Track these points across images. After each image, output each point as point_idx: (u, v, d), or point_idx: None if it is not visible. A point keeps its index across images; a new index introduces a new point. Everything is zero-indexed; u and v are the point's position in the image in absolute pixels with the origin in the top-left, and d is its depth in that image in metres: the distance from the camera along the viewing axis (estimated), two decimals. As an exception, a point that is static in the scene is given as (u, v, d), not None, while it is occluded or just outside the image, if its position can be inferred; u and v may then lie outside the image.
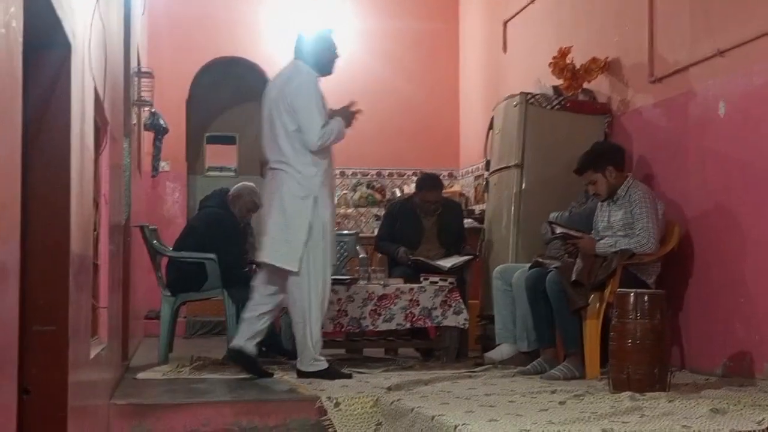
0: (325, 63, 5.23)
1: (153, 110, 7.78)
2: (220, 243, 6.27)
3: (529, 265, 5.62)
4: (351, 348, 6.55)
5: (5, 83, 1.81)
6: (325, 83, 5.21)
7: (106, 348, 4.05)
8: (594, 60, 6.42)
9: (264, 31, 9.67)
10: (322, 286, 5.05)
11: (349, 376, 5.09)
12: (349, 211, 9.69)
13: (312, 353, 5.05)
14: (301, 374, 5.06)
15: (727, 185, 5.17)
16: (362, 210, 9.77)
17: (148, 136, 8.28)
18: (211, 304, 7.73)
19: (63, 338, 2.78)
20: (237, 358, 5.16)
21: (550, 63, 6.60)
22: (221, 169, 10.48)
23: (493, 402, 4.03)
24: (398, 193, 9.47)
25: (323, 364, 5.08)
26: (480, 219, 7.69)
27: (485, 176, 7.23)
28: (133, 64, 6.47)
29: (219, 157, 10.61)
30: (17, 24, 1.93)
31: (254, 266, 6.67)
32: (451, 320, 6.06)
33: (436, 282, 6.16)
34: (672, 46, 5.74)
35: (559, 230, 5.49)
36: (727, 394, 4.19)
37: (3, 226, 1.80)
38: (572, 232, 5.42)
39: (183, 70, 9.47)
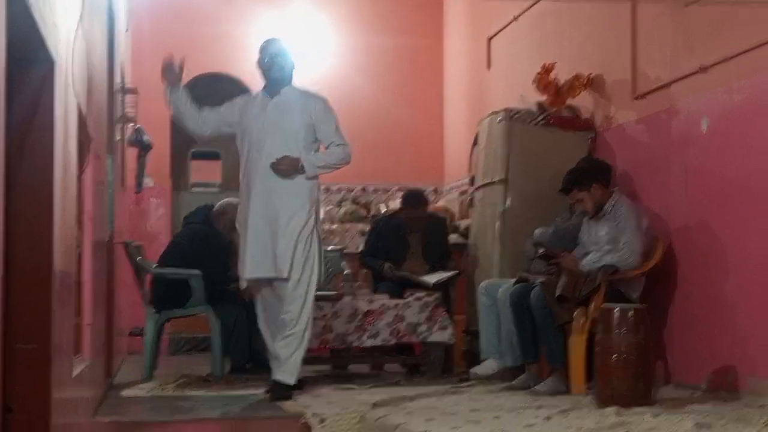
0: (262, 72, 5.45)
1: (137, 126, 7.76)
2: (205, 259, 6.25)
3: (514, 280, 5.63)
4: (336, 364, 6.54)
5: (-12, 100, 1.80)
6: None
7: (89, 365, 4.03)
8: (577, 76, 6.45)
9: (248, 47, 9.63)
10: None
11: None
12: (334, 226, 9.67)
13: None
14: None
15: (710, 201, 5.19)
16: (347, 226, 9.74)
17: (131, 153, 8.26)
18: (196, 321, 7.67)
19: (46, 356, 2.77)
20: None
21: (534, 79, 6.63)
22: (206, 185, 10.45)
23: (478, 418, 4.02)
24: (383, 209, 9.46)
25: None
26: (465, 234, 7.69)
27: (470, 192, 7.24)
28: (117, 80, 6.46)
29: (203, 172, 10.57)
30: (0, 42, 1.92)
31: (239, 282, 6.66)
32: (436, 336, 6.06)
33: (422, 298, 6.16)
34: (654, 63, 5.77)
35: (541, 250, 5.51)
36: (711, 409, 4.19)
37: (-15, 243, 1.79)
38: (554, 252, 5.43)
39: (167, 86, 9.43)
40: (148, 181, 9.04)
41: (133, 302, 7.48)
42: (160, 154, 9.12)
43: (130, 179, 8.38)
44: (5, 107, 2.05)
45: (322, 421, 4.17)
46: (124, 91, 6.91)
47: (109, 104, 5.52)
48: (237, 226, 5.34)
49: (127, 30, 7.99)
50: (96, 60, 4.28)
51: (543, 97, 6.62)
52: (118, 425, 4.19)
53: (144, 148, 8.14)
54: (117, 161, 6.22)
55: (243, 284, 5.30)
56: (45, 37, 2.60)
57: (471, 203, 7.09)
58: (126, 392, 5.26)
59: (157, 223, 9.48)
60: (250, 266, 5.09)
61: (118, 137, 6.47)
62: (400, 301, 6.10)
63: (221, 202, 6.75)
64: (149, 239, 8.85)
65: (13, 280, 2.65)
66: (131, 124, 7.52)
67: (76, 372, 3.53)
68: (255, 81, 9.52)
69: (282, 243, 5.07)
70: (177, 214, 9.54)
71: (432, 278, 6.57)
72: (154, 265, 6.46)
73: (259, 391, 5.23)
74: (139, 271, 6.37)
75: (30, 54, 2.69)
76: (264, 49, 5.47)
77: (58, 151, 2.91)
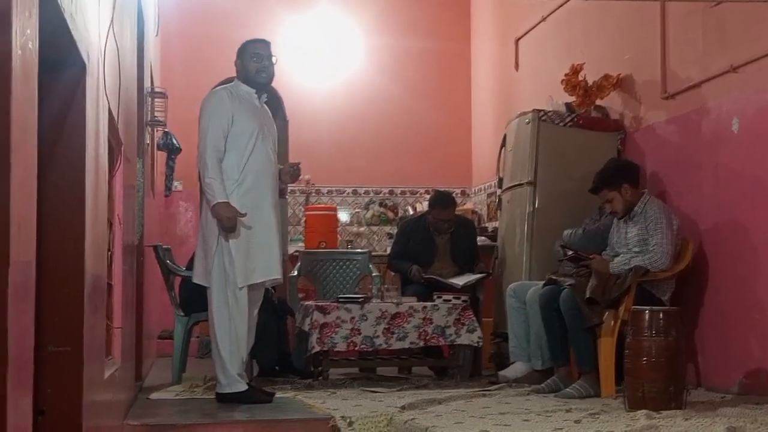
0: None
1: (166, 130, 7.80)
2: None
3: (542, 282, 5.60)
4: (364, 367, 6.54)
5: (21, 104, 1.82)
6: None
7: (120, 368, 4.05)
8: (606, 77, 6.42)
9: (277, 51, 9.68)
10: (233, 301, 4.85)
11: (269, 399, 4.89)
12: (362, 229, 9.68)
13: (229, 373, 4.82)
14: (220, 397, 4.87)
15: (741, 201, 5.14)
16: (375, 228, 9.76)
17: (161, 156, 8.31)
18: (224, 323, 7.70)
19: (78, 358, 2.79)
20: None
21: (563, 80, 6.60)
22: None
23: (507, 421, 4.01)
24: (411, 212, 9.46)
25: (241, 386, 4.84)
26: (493, 237, 7.67)
27: (498, 194, 7.22)
28: (147, 84, 6.50)
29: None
30: (33, 45, 1.94)
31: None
32: (464, 338, 6.04)
33: (450, 300, 6.15)
34: (685, 63, 5.73)
35: (570, 252, 5.48)
36: (743, 412, 4.15)
37: (19, 245, 1.80)
38: (584, 254, 5.40)
39: (196, 89, 9.47)
40: (177, 185, 9.09)
41: (162, 305, 7.53)
42: (189, 157, 9.15)
43: (160, 183, 8.43)
44: (37, 111, 2.06)
45: (350, 423, 4.17)
46: (154, 94, 6.95)
47: (138, 107, 5.55)
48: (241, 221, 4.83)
49: (156, 34, 8.04)
50: (126, 63, 4.30)
51: (572, 98, 6.59)
52: (148, 428, 4.21)
53: (173, 151, 8.18)
54: (147, 165, 6.25)
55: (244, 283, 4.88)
56: (77, 41, 2.62)
57: (499, 205, 7.07)
58: (155, 395, 5.28)
59: (185, 227, 9.53)
60: (277, 267, 5.01)
61: (147, 141, 6.51)
62: (428, 304, 6.09)
63: None
64: (178, 242, 8.90)
65: (46, 283, 2.67)
66: (160, 128, 7.56)
67: (107, 375, 3.54)
68: (282, 84, 9.62)
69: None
70: (205, 217, 9.56)
71: (460, 280, 6.56)
72: (183, 269, 6.49)
73: (288, 394, 5.24)
74: (168, 274, 6.40)
75: (62, 57, 2.71)
76: (265, 48, 5.37)
77: (89, 155, 2.93)
